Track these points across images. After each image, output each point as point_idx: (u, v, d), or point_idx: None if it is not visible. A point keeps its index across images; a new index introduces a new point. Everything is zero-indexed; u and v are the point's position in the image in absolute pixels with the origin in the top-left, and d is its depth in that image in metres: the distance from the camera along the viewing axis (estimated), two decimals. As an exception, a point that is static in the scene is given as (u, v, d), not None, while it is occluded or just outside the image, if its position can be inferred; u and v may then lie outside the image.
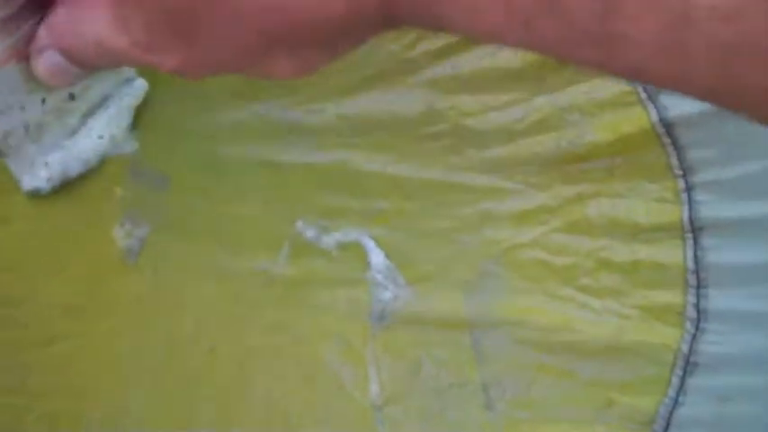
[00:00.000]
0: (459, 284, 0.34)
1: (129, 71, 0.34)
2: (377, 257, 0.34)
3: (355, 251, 0.34)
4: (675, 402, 0.32)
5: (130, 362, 0.32)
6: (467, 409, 0.32)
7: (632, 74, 0.19)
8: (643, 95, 0.33)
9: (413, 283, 0.34)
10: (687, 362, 0.33)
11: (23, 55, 0.27)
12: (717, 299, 0.33)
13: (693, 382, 0.32)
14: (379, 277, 0.34)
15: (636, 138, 0.33)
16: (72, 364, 0.32)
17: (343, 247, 0.34)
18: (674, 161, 0.33)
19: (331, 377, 0.32)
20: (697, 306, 0.33)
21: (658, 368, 0.33)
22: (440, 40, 0.36)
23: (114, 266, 0.33)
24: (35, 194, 0.33)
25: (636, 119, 0.33)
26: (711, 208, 0.34)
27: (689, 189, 0.33)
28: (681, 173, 0.34)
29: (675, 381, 0.32)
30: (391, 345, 0.33)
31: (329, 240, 0.34)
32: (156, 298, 0.33)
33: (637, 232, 0.34)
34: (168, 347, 0.33)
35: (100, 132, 0.33)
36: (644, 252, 0.34)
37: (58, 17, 0.26)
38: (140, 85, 0.34)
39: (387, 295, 0.34)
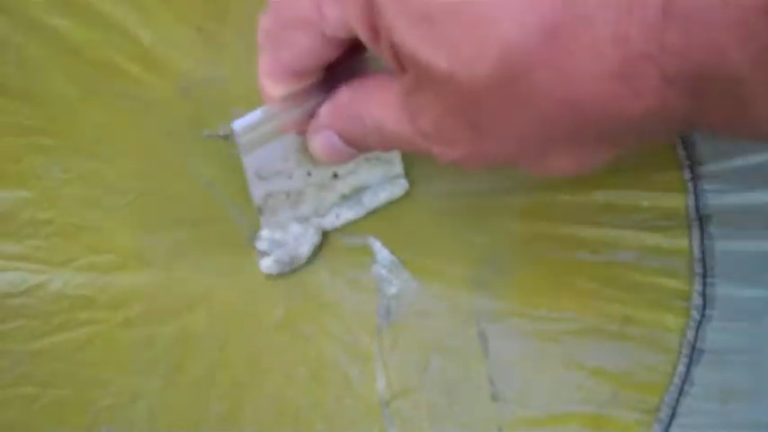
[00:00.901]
0: (465, 277, 0.34)
1: (398, 168, 0.34)
2: (382, 253, 0.34)
3: (361, 247, 0.34)
4: (681, 391, 0.32)
5: (141, 355, 0.32)
6: (474, 402, 0.32)
7: None
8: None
9: (419, 277, 0.34)
10: (693, 349, 0.33)
11: (303, 128, 0.28)
12: (723, 287, 0.33)
13: (699, 370, 0.33)
14: (384, 272, 0.34)
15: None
16: (81, 353, 0.32)
17: (349, 243, 0.34)
18: (681, 151, 0.33)
19: (339, 374, 0.33)
20: (703, 294, 0.33)
21: (664, 356, 0.33)
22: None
23: (128, 259, 0.33)
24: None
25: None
26: (718, 197, 0.34)
27: (695, 179, 0.33)
28: (688, 163, 0.33)
29: (681, 369, 0.32)
30: (398, 340, 0.33)
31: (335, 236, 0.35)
32: (169, 292, 0.33)
33: (643, 221, 0.34)
34: (180, 343, 0.33)
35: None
36: (650, 240, 0.34)
37: (341, 99, 0.26)
38: (402, 184, 0.34)
39: (392, 290, 0.34)
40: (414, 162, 0.35)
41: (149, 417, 0.32)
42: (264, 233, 0.33)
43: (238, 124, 0.28)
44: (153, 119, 0.34)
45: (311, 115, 0.28)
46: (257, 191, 0.32)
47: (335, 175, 0.33)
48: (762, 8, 0.16)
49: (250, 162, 0.30)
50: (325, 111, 0.27)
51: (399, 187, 0.34)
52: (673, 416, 0.32)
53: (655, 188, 0.34)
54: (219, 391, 0.32)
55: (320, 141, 0.27)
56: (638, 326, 0.33)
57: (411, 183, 0.35)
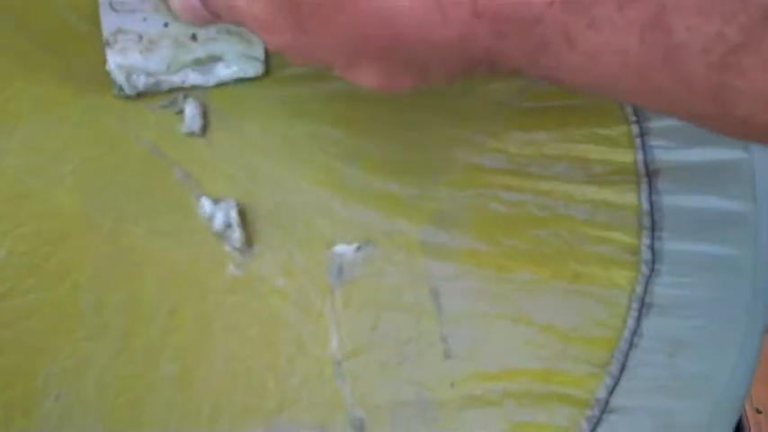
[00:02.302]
0: (416, 237, 0.34)
1: (258, 51, 0.34)
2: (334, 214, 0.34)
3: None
4: (630, 344, 0.33)
5: (90, 321, 0.32)
6: (426, 359, 0.33)
7: (741, 128, 0.20)
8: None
9: (371, 238, 0.34)
10: (642, 303, 0.33)
11: None
12: (671, 241, 0.33)
13: (648, 323, 0.33)
14: (337, 234, 0.34)
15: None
16: (29, 321, 0.32)
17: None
18: (628, 107, 0.32)
19: (291, 334, 0.33)
20: (651, 248, 0.33)
21: (613, 311, 0.33)
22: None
23: (74, 226, 0.33)
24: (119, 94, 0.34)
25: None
26: (666, 153, 0.34)
27: (643, 135, 0.33)
28: (635, 119, 0.33)
29: (631, 323, 0.33)
30: (350, 300, 0.33)
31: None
32: (117, 258, 0.33)
33: (592, 176, 0.34)
34: (130, 308, 0.32)
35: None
36: (599, 195, 0.34)
37: None
38: (257, 68, 0.34)
39: (345, 251, 0.33)
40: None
41: (100, 382, 0.32)
42: (112, 67, 0.33)
43: None
44: (91, 88, 0.34)
45: None
46: (107, 22, 0.32)
47: (194, 37, 0.33)
48: None
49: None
50: None
51: (253, 68, 0.34)
52: (622, 369, 0.32)
53: (603, 143, 0.34)
54: (170, 355, 0.32)
55: None
56: (588, 281, 0.33)
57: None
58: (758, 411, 0.81)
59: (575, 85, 0.22)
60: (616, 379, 0.32)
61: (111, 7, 0.31)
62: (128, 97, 0.33)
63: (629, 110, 0.33)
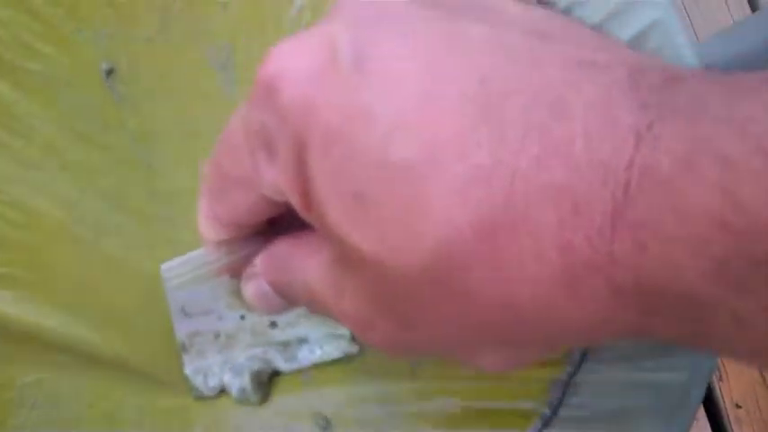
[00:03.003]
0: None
1: (345, 330, 0.31)
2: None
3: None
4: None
5: (71, 330, 0.32)
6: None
7: None
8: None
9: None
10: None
11: (238, 273, 0.27)
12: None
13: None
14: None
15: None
16: (6, 328, 0.32)
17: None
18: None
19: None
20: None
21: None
22: None
23: (54, 235, 0.33)
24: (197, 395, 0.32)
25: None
26: None
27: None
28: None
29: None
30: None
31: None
32: (97, 268, 0.33)
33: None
34: (108, 318, 0.33)
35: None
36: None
37: (276, 250, 0.25)
38: (343, 346, 0.32)
39: None
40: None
41: (75, 392, 0.32)
42: (189, 371, 0.32)
43: (167, 267, 0.27)
44: (68, 96, 0.34)
45: (247, 262, 0.26)
46: (181, 327, 0.30)
47: (273, 324, 0.31)
48: (717, 222, 0.15)
49: (174, 296, 0.29)
50: (261, 259, 0.25)
51: (342, 348, 0.32)
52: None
53: None
54: (146, 365, 0.33)
55: (252, 289, 0.26)
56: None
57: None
58: (738, 406, 0.83)
59: (756, 362, 0.18)
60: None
61: (184, 312, 0.30)
62: (206, 398, 0.32)
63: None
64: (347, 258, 0.20)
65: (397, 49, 0.18)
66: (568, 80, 0.17)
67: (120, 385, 0.33)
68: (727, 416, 0.81)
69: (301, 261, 0.24)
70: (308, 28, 0.20)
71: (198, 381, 0.32)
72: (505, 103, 0.17)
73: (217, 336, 0.31)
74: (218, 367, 0.32)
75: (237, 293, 0.28)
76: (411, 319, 0.20)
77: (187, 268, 0.27)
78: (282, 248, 0.25)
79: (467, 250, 0.17)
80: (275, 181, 0.21)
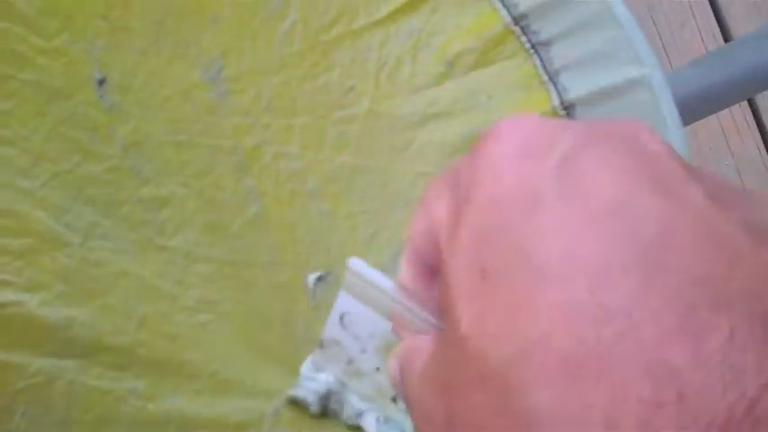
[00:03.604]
0: (375, 267, 0.35)
1: None
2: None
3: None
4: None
5: (58, 336, 0.33)
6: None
7: None
8: (545, 78, 0.34)
9: (331, 266, 0.35)
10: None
11: (399, 335, 0.26)
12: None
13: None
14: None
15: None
16: None
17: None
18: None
19: (259, 348, 0.34)
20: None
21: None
22: (357, 22, 0.36)
23: (44, 241, 0.34)
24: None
25: (539, 101, 0.34)
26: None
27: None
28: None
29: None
30: (314, 326, 0.35)
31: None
32: (85, 273, 0.34)
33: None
34: (98, 323, 0.33)
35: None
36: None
37: (410, 343, 0.24)
38: None
39: (311, 278, 0.35)
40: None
41: (67, 397, 0.33)
42: (305, 370, 0.33)
43: (356, 264, 0.27)
44: (60, 105, 0.35)
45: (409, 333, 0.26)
46: (332, 329, 0.30)
47: (394, 399, 0.32)
48: None
49: (343, 301, 0.29)
50: (402, 343, 0.25)
51: None
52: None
53: None
54: (138, 370, 0.33)
55: (392, 363, 0.25)
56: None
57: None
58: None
59: None
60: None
61: (341, 319, 0.30)
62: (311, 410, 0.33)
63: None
64: (441, 341, 0.20)
65: (600, 191, 0.18)
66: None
67: (113, 389, 0.33)
68: None
69: (415, 356, 0.23)
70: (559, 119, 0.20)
71: (305, 382, 0.33)
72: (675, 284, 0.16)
73: (349, 362, 0.31)
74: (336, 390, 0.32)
75: (388, 349, 0.28)
76: (458, 417, 0.19)
77: (371, 285, 0.27)
78: (411, 343, 0.24)
79: (545, 372, 0.16)
80: (438, 213, 0.21)
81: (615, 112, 0.32)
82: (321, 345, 0.32)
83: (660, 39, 1.03)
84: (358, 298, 0.27)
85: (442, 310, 0.20)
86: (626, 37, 0.32)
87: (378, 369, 0.31)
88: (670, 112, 0.31)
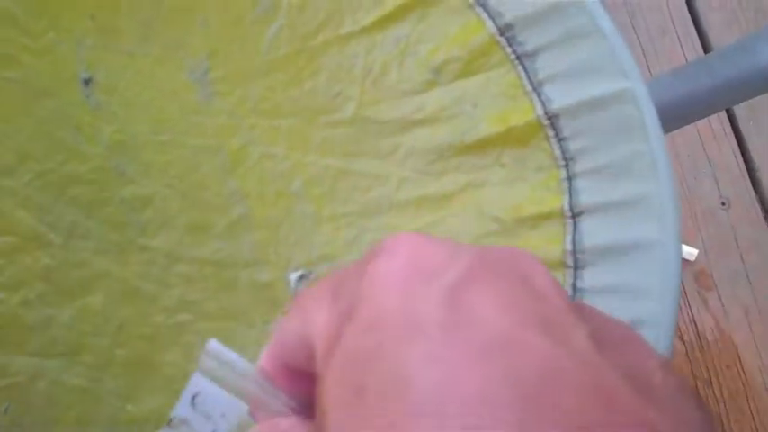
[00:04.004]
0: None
1: None
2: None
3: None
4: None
5: (40, 335, 0.33)
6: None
7: None
8: (528, 88, 0.34)
9: (313, 265, 0.35)
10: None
11: (256, 417, 0.26)
12: (590, 278, 0.35)
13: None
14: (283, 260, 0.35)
15: (523, 130, 0.35)
16: None
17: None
18: (558, 152, 0.35)
19: (238, 349, 0.34)
20: (573, 285, 0.35)
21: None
22: (344, 28, 0.36)
23: (26, 240, 0.34)
24: None
25: (523, 111, 0.34)
26: (589, 194, 0.35)
27: (570, 178, 0.35)
28: (563, 163, 0.35)
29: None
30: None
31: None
32: (67, 273, 0.34)
33: (522, 219, 0.36)
34: (78, 323, 0.33)
35: None
36: (528, 237, 0.36)
37: (275, 423, 0.24)
38: None
39: (293, 276, 0.35)
40: None
41: (49, 396, 0.33)
42: None
43: (214, 346, 0.26)
44: (45, 104, 0.34)
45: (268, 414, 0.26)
46: (181, 408, 0.29)
47: None
48: None
49: (196, 382, 0.28)
50: (262, 424, 0.25)
51: None
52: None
53: (534, 187, 0.35)
54: (118, 370, 0.33)
55: None
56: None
57: None
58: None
59: None
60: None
61: (193, 400, 0.28)
62: None
63: (557, 153, 0.35)
64: None
65: (485, 325, 0.18)
66: None
67: (93, 389, 0.33)
68: None
69: None
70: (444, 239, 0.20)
71: None
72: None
73: None
74: None
75: (243, 429, 0.28)
76: None
77: (230, 368, 0.27)
78: (281, 425, 0.24)
79: None
80: (317, 321, 0.21)
81: (599, 123, 0.33)
82: (169, 423, 0.32)
83: (640, 45, 1.04)
84: (215, 380, 0.28)
85: (318, 413, 0.19)
86: (610, 49, 0.32)
87: None
88: (653, 125, 0.32)
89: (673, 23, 1.06)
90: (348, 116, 0.36)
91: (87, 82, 0.34)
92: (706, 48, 1.06)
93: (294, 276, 0.35)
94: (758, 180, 1.01)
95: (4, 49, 0.34)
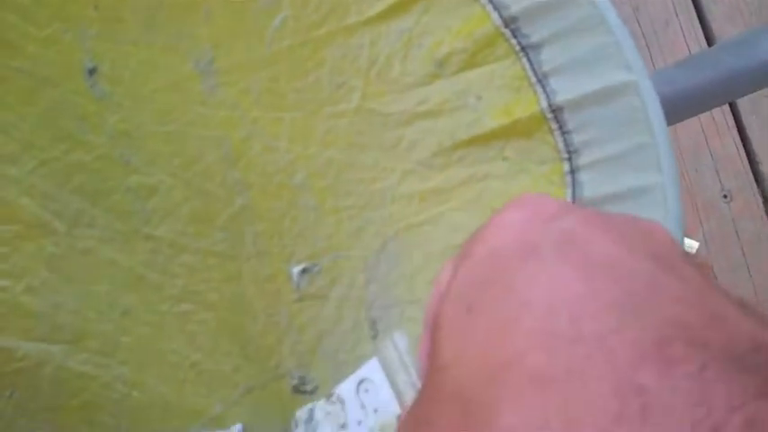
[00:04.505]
0: (360, 261, 0.36)
1: None
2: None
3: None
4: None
5: (46, 321, 0.33)
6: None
7: None
8: (533, 80, 0.34)
9: (316, 257, 0.35)
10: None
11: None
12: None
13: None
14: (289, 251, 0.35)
15: (527, 122, 0.35)
16: None
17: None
18: (561, 145, 0.35)
19: (239, 342, 0.34)
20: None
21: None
22: (348, 19, 0.36)
23: (30, 228, 0.34)
24: None
25: (528, 103, 0.34)
26: (592, 187, 0.35)
27: (573, 171, 0.35)
28: (567, 156, 0.35)
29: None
30: (298, 318, 0.35)
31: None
32: (71, 261, 0.34)
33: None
34: (83, 309, 0.34)
35: None
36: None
37: (405, 415, 0.23)
38: None
39: (296, 270, 0.35)
40: None
41: (54, 382, 0.33)
42: (302, 413, 0.33)
43: (401, 340, 0.28)
44: (49, 93, 0.34)
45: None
46: (345, 388, 0.31)
47: None
48: None
49: (369, 368, 0.30)
50: (402, 416, 0.26)
51: None
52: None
53: (537, 180, 0.36)
54: (123, 356, 0.34)
55: None
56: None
57: None
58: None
59: None
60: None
61: (358, 385, 0.30)
62: None
63: (561, 146, 0.35)
64: (424, 384, 0.20)
65: (597, 250, 0.19)
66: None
67: (99, 375, 0.33)
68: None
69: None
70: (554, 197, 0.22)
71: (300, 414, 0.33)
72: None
73: (342, 427, 0.31)
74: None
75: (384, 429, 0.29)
76: None
77: (404, 368, 0.28)
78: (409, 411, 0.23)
79: (513, 388, 0.16)
80: (441, 279, 0.22)
81: (603, 115, 0.33)
82: (329, 398, 0.32)
83: (644, 37, 1.04)
84: (386, 370, 0.28)
85: (434, 333, 0.20)
86: (616, 43, 0.32)
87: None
88: (657, 118, 0.32)
89: (676, 15, 1.06)
90: (352, 107, 0.36)
91: (92, 71, 0.35)
92: (709, 40, 1.06)
93: (296, 270, 0.35)
94: (760, 173, 1.01)
95: (8, 37, 0.34)
